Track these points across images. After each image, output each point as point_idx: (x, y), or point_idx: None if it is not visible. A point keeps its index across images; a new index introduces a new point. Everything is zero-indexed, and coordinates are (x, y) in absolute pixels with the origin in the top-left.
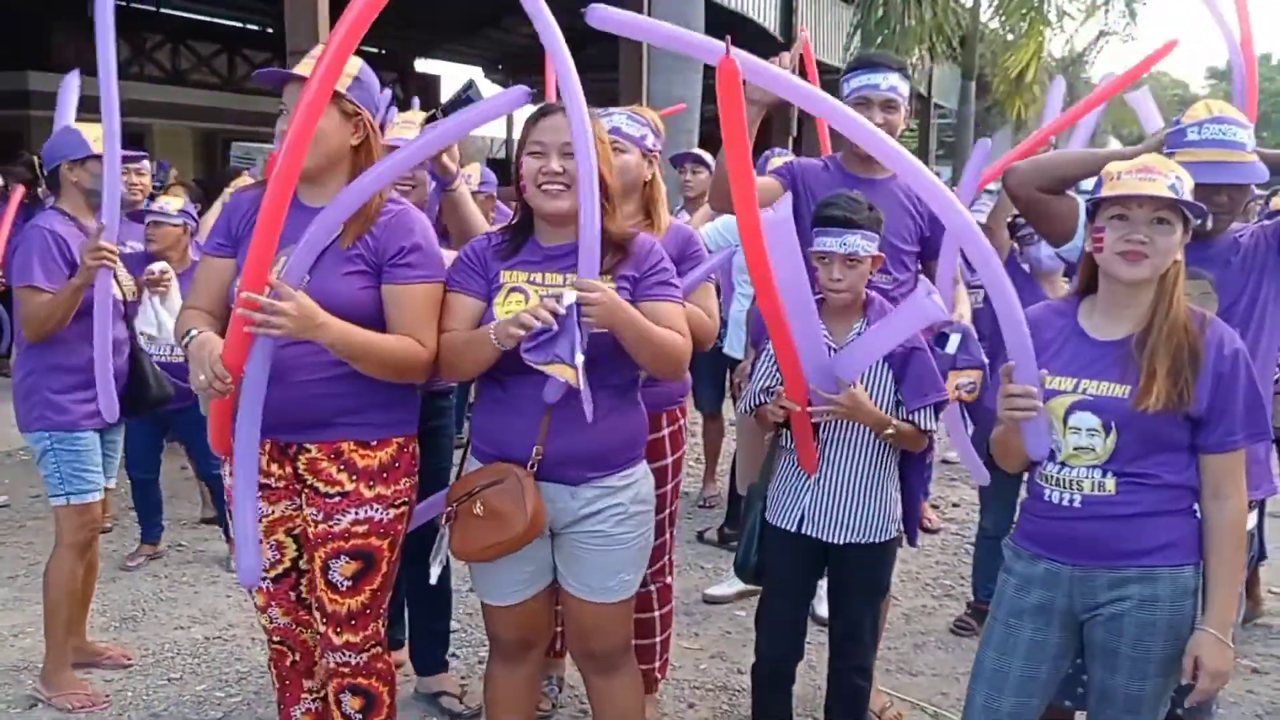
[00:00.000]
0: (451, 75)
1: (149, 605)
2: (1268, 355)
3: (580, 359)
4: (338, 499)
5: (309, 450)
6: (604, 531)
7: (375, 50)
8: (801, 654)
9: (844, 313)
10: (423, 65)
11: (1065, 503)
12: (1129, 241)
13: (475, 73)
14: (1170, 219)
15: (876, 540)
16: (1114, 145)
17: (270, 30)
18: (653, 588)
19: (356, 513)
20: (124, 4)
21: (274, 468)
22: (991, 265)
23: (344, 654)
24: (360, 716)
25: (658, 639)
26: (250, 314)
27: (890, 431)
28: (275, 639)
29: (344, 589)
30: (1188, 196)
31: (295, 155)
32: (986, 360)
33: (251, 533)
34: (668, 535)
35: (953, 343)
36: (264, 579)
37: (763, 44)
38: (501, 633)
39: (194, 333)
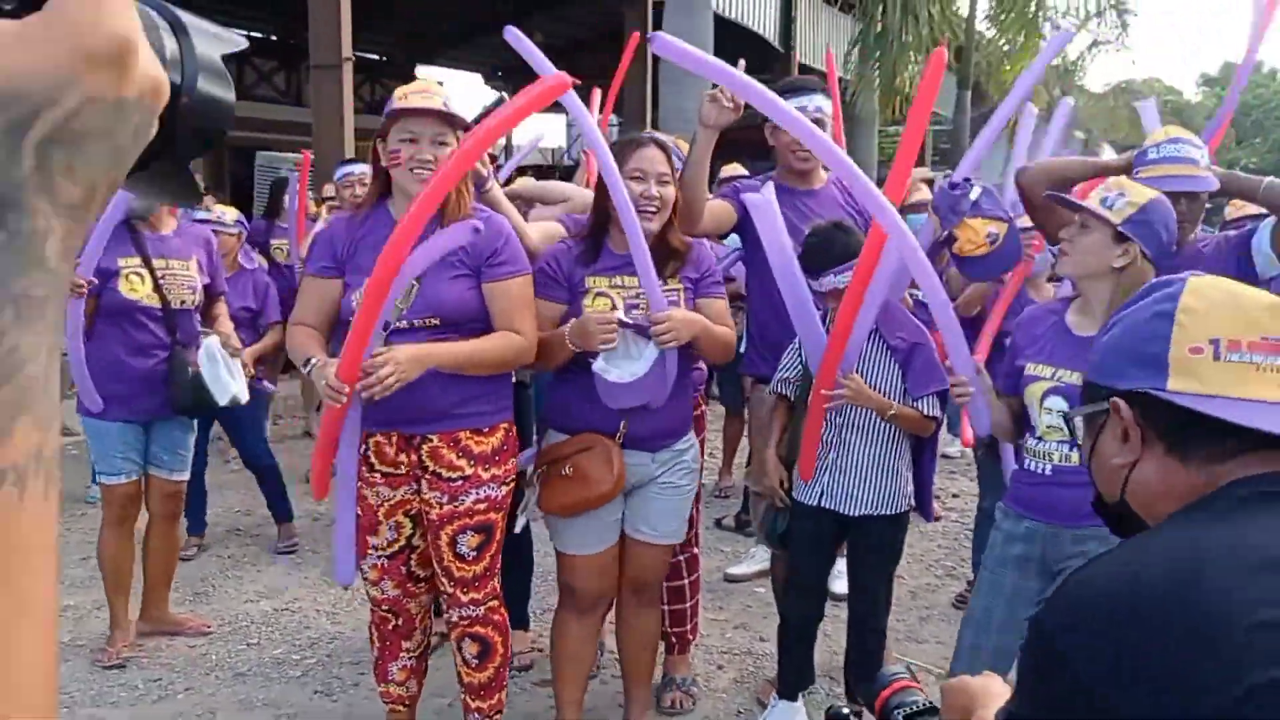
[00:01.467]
0: (453, 82)
1: (217, 582)
2: None
3: (649, 356)
4: (460, 482)
5: (431, 440)
6: (673, 483)
7: (377, 57)
8: (822, 614)
9: None
10: (424, 72)
11: (1040, 470)
12: (1060, 241)
13: (475, 79)
14: (1090, 224)
15: (889, 513)
16: (1108, 152)
17: (275, 38)
18: (682, 558)
19: (477, 493)
20: None
21: (401, 457)
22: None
23: (468, 609)
24: (477, 660)
25: (689, 603)
26: (368, 385)
27: (891, 413)
28: (384, 608)
29: (470, 558)
30: (1119, 211)
31: (404, 242)
32: (1011, 215)
33: (347, 540)
34: (694, 511)
35: (975, 191)
36: (380, 556)
37: (762, 53)
38: (578, 582)
39: (314, 362)
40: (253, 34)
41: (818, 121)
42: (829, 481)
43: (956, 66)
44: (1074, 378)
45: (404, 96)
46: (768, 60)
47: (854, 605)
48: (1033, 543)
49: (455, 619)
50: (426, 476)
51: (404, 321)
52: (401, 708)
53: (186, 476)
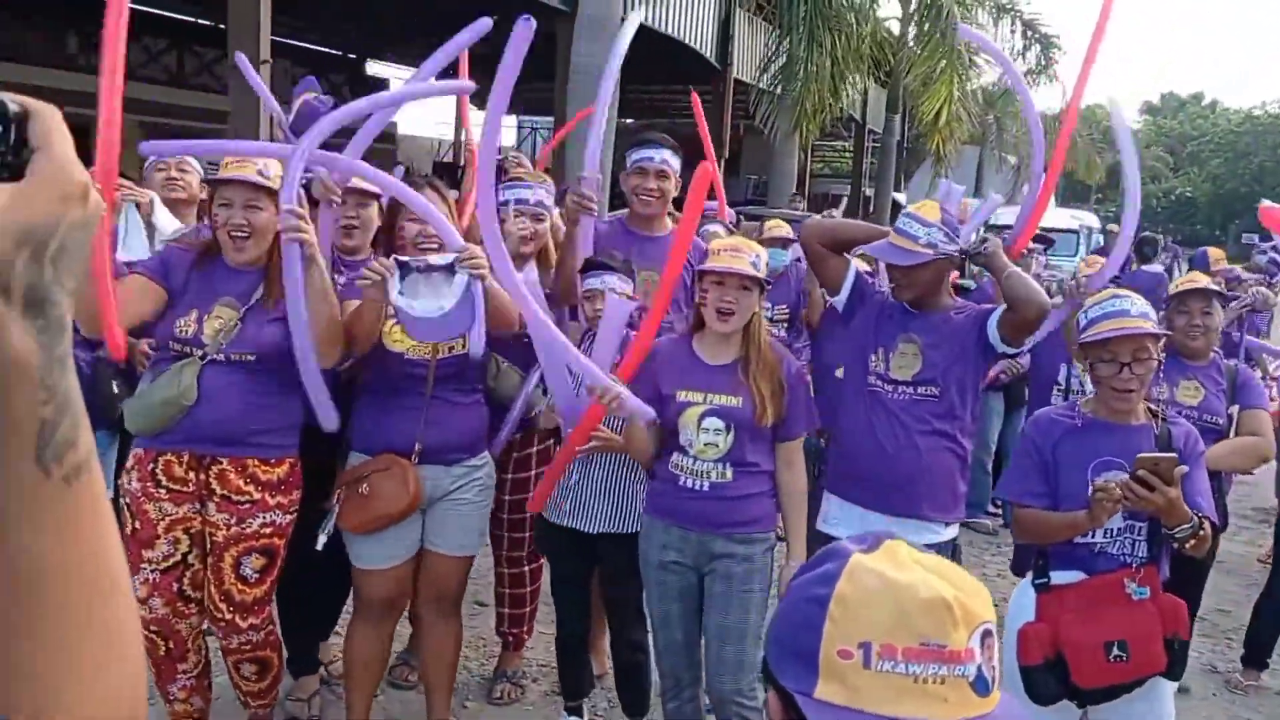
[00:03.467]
0: (401, 79)
1: None
2: (957, 410)
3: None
4: (248, 505)
5: (220, 463)
6: (467, 499)
7: (325, 51)
8: (587, 626)
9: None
10: (373, 68)
11: (696, 486)
12: (723, 302)
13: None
14: (750, 286)
15: (625, 531)
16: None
17: (223, 26)
18: (527, 567)
19: (264, 517)
20: None
21: (190, 475)
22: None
23: (249, 634)
24: (256, 677)
25: (527, 608)
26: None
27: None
28: (152, 629)
29: (253, 581)
30: (763, 269)
31: None
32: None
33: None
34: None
35: None
36: (154, 570)
37: (701, 69)
38: (371, 593)
39: None
40: (199, 21)
41: (661, 173)
42: (572, 501)
43: (889, 86)
44: (723, 399)
45: (224, 166)
46: (705, 76)
47: (611, 621)
48: (684, 548)
49: (235, 645)
50: (215, 499)
51: (221, 355)
52: None
53: (111, 493)
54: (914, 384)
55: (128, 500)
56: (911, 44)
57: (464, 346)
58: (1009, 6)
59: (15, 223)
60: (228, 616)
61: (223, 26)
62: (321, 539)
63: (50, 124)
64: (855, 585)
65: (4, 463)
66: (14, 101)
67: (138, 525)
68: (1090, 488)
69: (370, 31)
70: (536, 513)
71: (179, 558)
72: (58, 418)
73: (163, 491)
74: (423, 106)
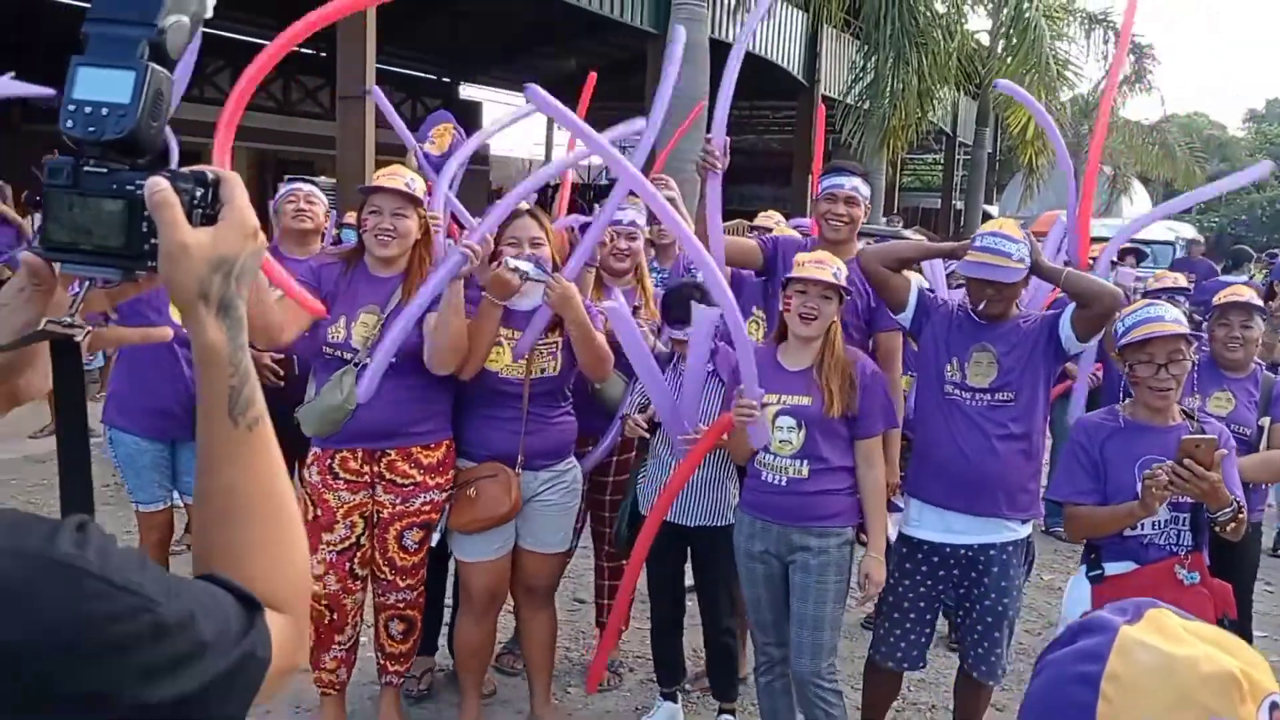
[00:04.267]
0: (493, 101)
1: None
2: (1032, 413)
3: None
4: (412, 487)
5: (389, 454)
6: (554, 500)
7: (421, 75)
8: (680, 613)
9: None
10: (466, 91)
11: (775, 481)
12: (805, 308)
13: (517, 100)
14: (830, 295)
15: (717, 524)
16: (1137, 188)
17: (325, 55)
18: (624, 562)
19: (425, 496)
20: None
21: (364, 468)
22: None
23: (404, 593)
24: (401, 635)
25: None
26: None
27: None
28: (322, 603)
29: (413, 550)
30: (843, 280)
31: None
32: None
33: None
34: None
35: None
36: (331, 551)
37: (788, 86)
38: (475, 583)
39: None
40: (303, 50)
41: (850, 200)
42: None
43: (979, 99)
44: (795, 399)
45: (377, 178)
46: (792, 92)
47: (703, 608)
48: (768, 538)
49: (390, 601)
50: (383, 483)
51: (371, 359)
52: (333, 691)
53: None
54: (991, 390)
55: (308, 490)
56: (1000, 54)
57: (555, 370)
58: (1101, 18)
59: (215, 253)
60: (390, 577)
61: (324, 55)
62: (435, 536)
63: (233, 185)
64: (1128, 662)
65: (209, 419)
66: (211, 171)
67: (319, 512)
68: (1139, 481)
69: (463, 57)
70: (635, 511)
71: (354, 540)
72: (240, 385)
73: (340, 482)
74: (517, 128)
